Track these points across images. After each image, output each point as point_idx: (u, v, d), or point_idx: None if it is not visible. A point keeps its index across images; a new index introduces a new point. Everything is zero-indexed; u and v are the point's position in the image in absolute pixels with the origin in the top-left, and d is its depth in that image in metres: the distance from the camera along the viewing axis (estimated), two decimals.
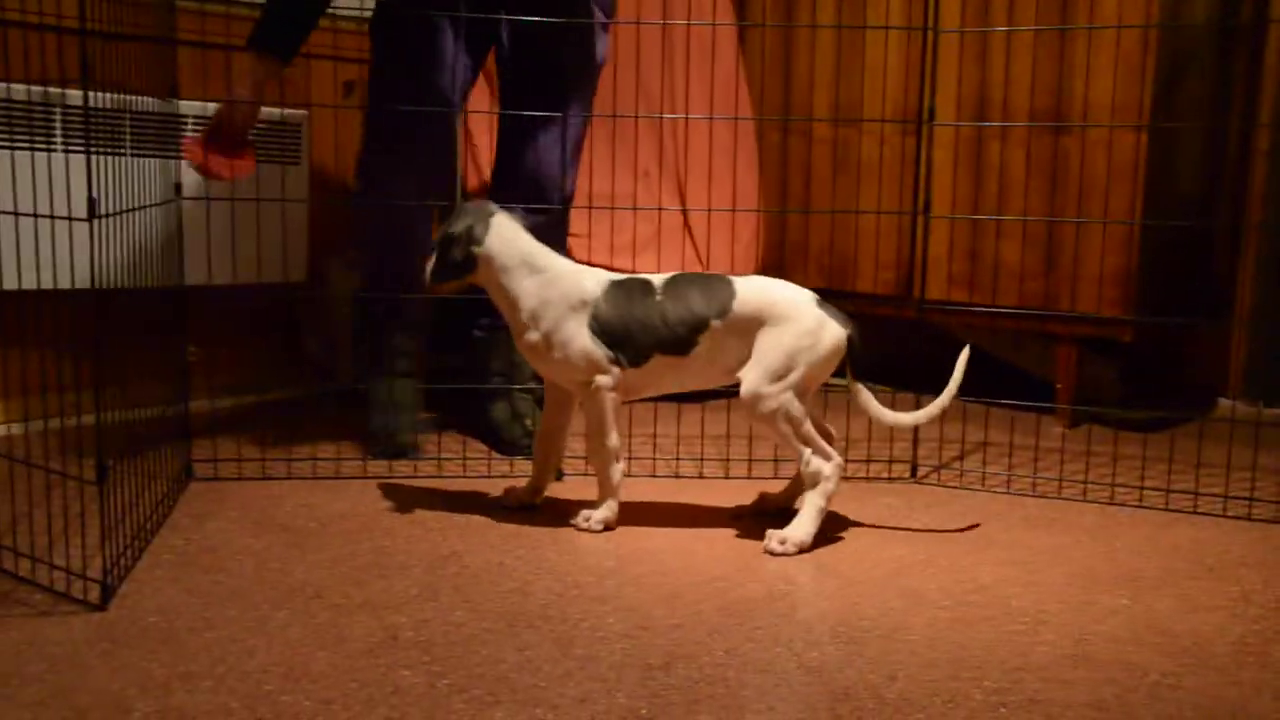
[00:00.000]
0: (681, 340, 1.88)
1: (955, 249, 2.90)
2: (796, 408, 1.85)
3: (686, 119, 2.98)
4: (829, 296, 3.14)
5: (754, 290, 1.88)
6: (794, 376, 1.83)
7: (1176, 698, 1.36)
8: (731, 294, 1.88)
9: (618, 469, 1.93)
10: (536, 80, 2.38)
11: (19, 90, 2.30)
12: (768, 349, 1.85)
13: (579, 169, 2.46)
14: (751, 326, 1.86)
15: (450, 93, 2.29)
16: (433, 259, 1.92)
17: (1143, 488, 2.23)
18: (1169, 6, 2.62)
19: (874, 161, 3.05)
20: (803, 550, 1.85)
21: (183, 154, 2.15)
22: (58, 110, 2.34)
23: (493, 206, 1.92)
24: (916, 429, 2.34)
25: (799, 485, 1.94)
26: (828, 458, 1.88)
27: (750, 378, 1.85)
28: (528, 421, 2.40)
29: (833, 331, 1.87)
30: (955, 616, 1.59)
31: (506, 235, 1.90)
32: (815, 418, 1.95)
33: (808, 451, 1.87)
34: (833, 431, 1.99)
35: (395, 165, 2.31)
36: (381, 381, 2.38)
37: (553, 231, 2.39)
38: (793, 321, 1.85)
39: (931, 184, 2.89)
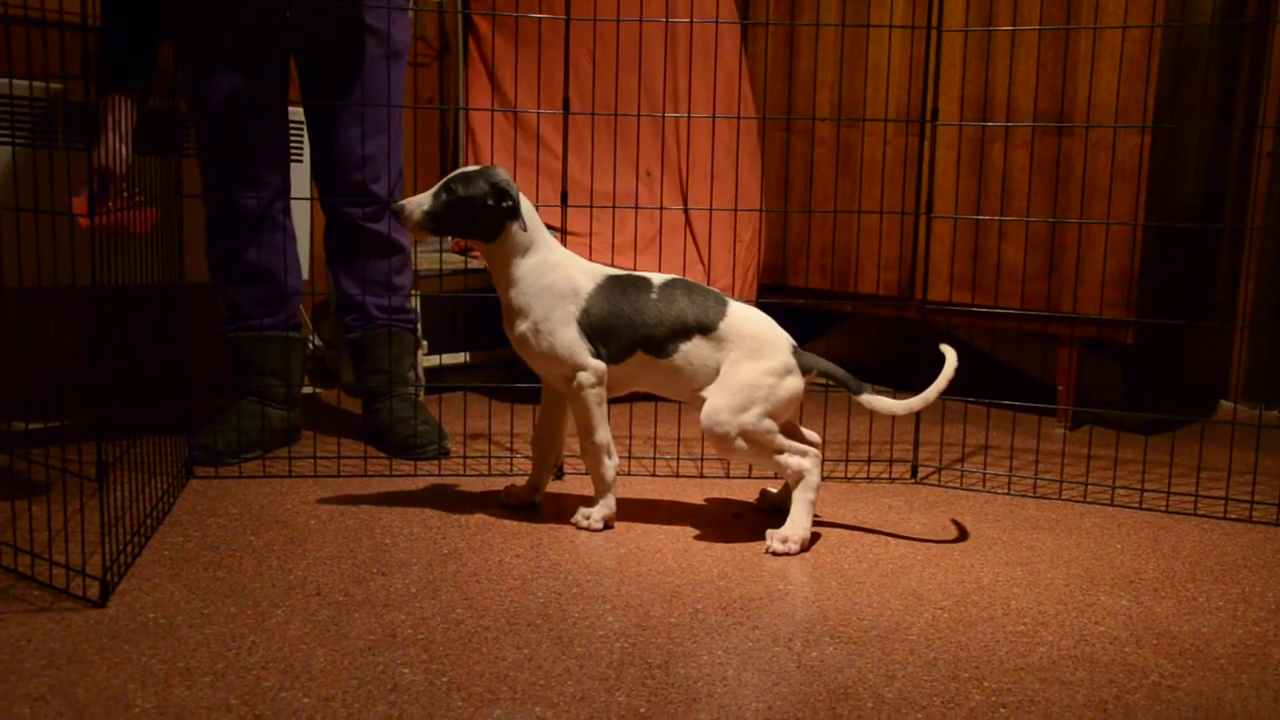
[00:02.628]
0: (662, 341, 1.88)
1: (958, 250, 2.90)
2: (763, 426, 1.85)
3: (689, 118, 2.98)
4: (830, 297, 3.16)
5: (742, 319, 1.89)
6: (754, 411, 1.85)
7: (1176, 699, 1.35)
8: (721, 314, 1.89)
9: (610, 465, 1.93)
10: (326, 72, 2.32)
11: (20, 86, 2.30)
12: (732, 377, 1.86)
13: (400, 159, 2.41)
14: (728, 350, 1.87)
15: (254, 93, 2.25)
16: (427, 203, 1.87)
17: (1144, 490, 2.23)
18: (1173, 7, 2.61)
19: (876, 161, 3.05)
20: (805, 546, 1.85)
21: (77, 219, 1.93)
22: (59, 106, 2.35)
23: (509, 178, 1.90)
24: (917, 429, 2.35)
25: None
26: (804, 454, 1.88)
27: (710, 403, 1.86)
28: (414, 423, 2.35)
29: (792, 383, 1.88)
30: (955, 617, 1.59)
31: (530, 215, 1.91)
32: (788, 423, 1.96)
33: (783, 457, 1.87)
34: (810, 435, 2.00)
35: (221, 166, 2.29)
36: (236, 402, 2.33)
37: (376, 224, 2.37)
38: (763, 359, 1.87)
39: (934, 184, 2.89)
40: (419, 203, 1.89)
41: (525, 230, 1.89)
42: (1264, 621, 1.61)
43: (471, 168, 1.90)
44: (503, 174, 1.88)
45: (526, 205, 1.90)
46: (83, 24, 1.48)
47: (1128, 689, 1.38)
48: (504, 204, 1.86)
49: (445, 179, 1.89)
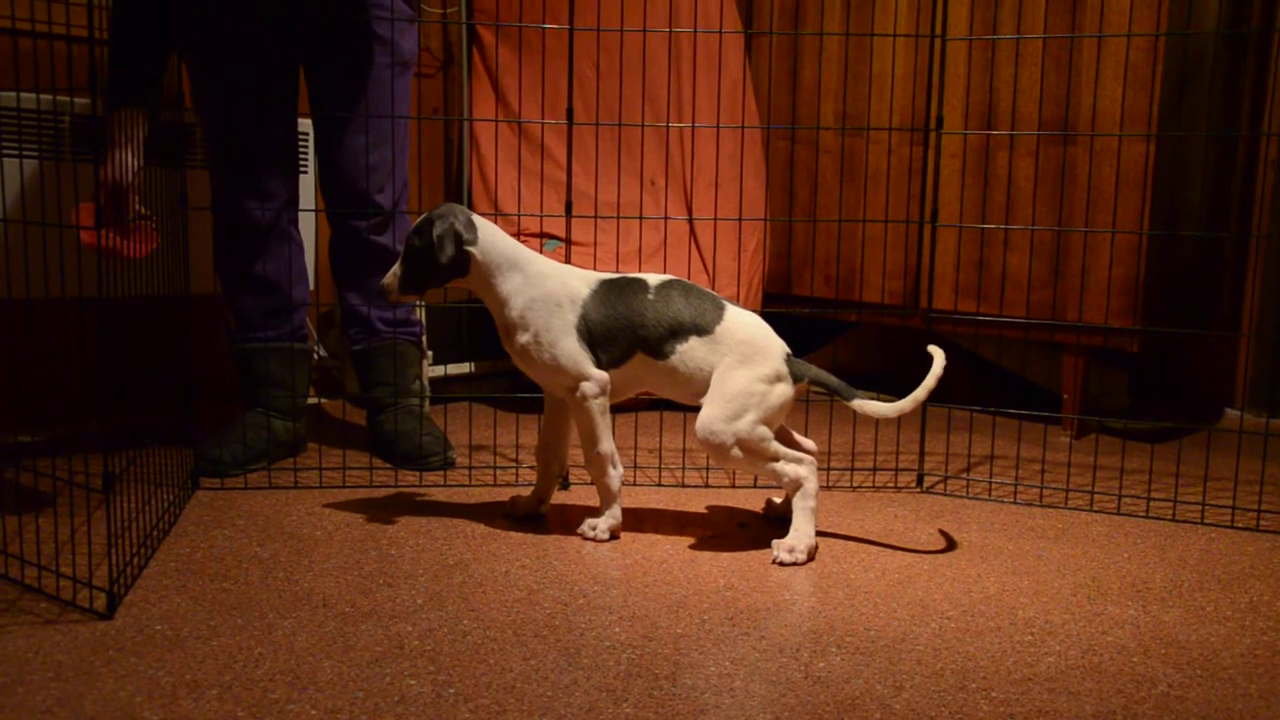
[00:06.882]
0: (659, 342, 1.88)
1: (962, 258, 2.90)
2: (757, 434, 1.85)
3: (693, 128, 2.99)
4: (835, 306, 3.16)
5: (739, 323, 1.89)
6: (748, 418, 1.84)
7: (1184, 709, 1.35)
8: (719, 318, 1.88)
9: (615, 475, 1.93)
10: (333, 82, 2.32)
11: (28, 99, 2.30)
12: (724, 386, 1.86)
13: (405, 170, 2.42)
14: (722, 354, 1.87)
15: (262, 104, 2.26)
16: (398, 268, 1.90)
17: (1150, 498, 2.23)
18: (1177, 15, 2.62)
19: (881, 170, 3.05)
20: (811, 554, 1.85)
21: (80, 234, 1.91)
22: (66, 119, 2.35)
23: (464, 208, 1.91)
24: (923, 438, 2.34)
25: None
26: (800, 461, 1.88)
27: (704, 414, 1.86)
28: (419, 434, 2.34)
29: (782, 390, 1.87)
30: (962, 627, 1.59)
31: (493, 234, 1.90)
32: (781, 430, 1.96)
33: (780, 465, 1.87)
34: (806, 444, 2.00)
35: (229, 177, 2.29)
36: (241, 413, 2.33)
37: (380, 237, 2.37)
38: (754, 366, 1.86)
39: (939, 193, 2.88)
40: (393, 272, 1.91)
41: (489, 253, 1.88)
42: (1272, 630, 1.61)
43: (421, 216, 1.90)
44: (443, 209, 1.88)
45: (485, 224, 1.90)
46: (89, 37, 1.48)
47: (1136, 699, 1.37)
48: (458, 237, 1.86)
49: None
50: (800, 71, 3.18)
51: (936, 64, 2.34)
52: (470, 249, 1.87)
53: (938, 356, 1.88)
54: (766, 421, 1.87)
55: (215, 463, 2.22)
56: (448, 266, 1.86)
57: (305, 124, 2.61)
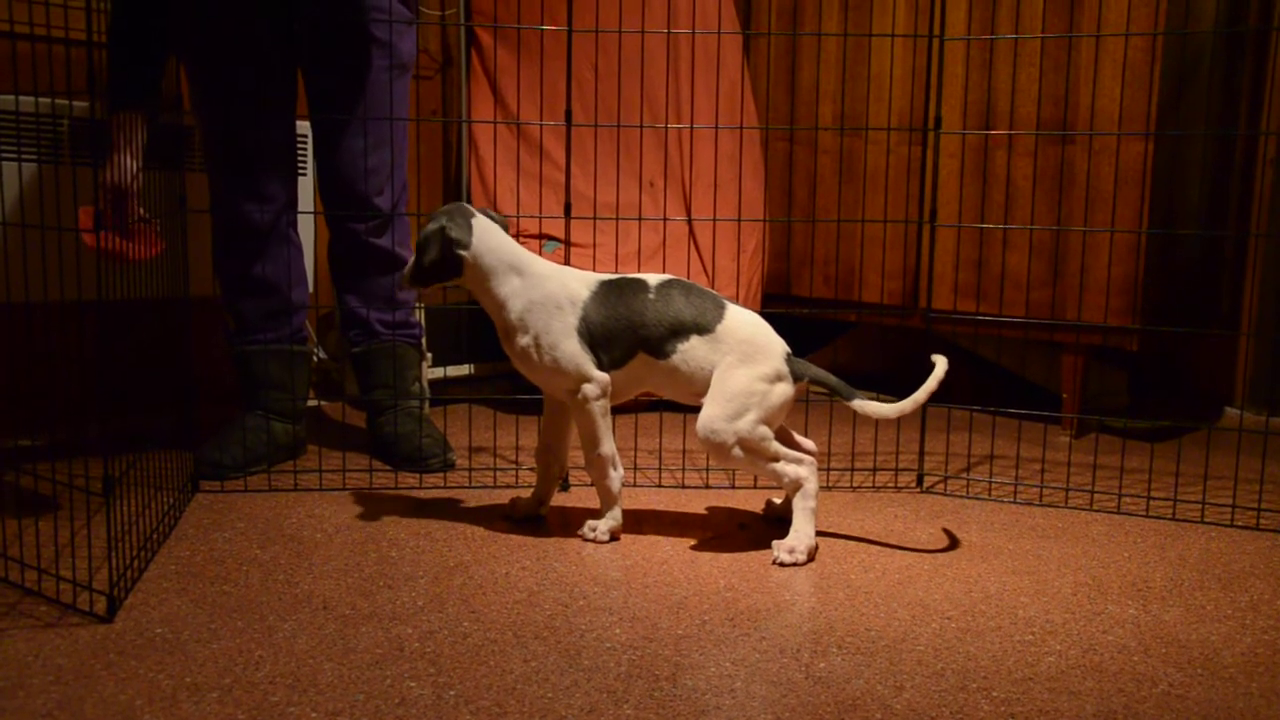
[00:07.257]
0: (661, 341, 1.88)
1: (962, 258, 2.90)
2: (758, 434, 1.85)
3: (692, 129, 2.99)
4: (834, 306, 3.16)
5: (740, 322, 1.89)
6: (749, 418, 1.84)
7: (1185, 708, 1.35)
8: (719, 317, 1.88)
9: (616, 477, 1.93)
10: (331, 84, 2.33)
11: (27, 102, 2.30)
12: (724, 385, 1.86)
13: (404, 172, 2.42)
14: (723, 353, 1.87)
15: (260, 106, 2.27)
16: (411, 261, 1.92)
17: (1150, 497, 2.23)
18: (1175, 14, 2.62)
19: (880, 171, 3.05)
20: (811, 555, 1.85)
21: (82, 235, 1.92)
22: (65, 122, 2.35)
23: (471, 208, 1.92)
24: (923, 438, 2.34)
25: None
26: (800, 462, 1.88)
27: (704, 413, 1.86)
28: (419, 436, 2.34)
29: (783, 389, 1.87)
30: (963, 626, 1.59)
31: (491, 237, 1.90)
32: (781, 430, 1.96)
33: (780, 465, 1.87)
34: (806, 444, 2.00)
35: (228, 180, 2.29)
36: (240, 416, 2.33)
37: (379, 239, 2.37)
38: (755, 365, 1.86)
39: (937, 193, 2.89)
40: (409, 263, 1.94)
41: (484, 256, 1.88)
42: (1273, 629, 1.61)
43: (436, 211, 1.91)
44: (444, 210, 1.89)
45: (485, 227, 1.90)
46: (88, 40, 1.48)
47: (1137, 698, 1.37)
48: (450, 237, 1.87)
49: None
50: (798, 72, 3.18)
51: (935, 64, 2.34)
52: (462, 253, 1.87)
53: (940, 363, 1.89)
54: (767, 421, 1.87)
55: (215, 465, 2.22)
56: (435, 269, 1.87)
57: (304, 126, 2.61)
